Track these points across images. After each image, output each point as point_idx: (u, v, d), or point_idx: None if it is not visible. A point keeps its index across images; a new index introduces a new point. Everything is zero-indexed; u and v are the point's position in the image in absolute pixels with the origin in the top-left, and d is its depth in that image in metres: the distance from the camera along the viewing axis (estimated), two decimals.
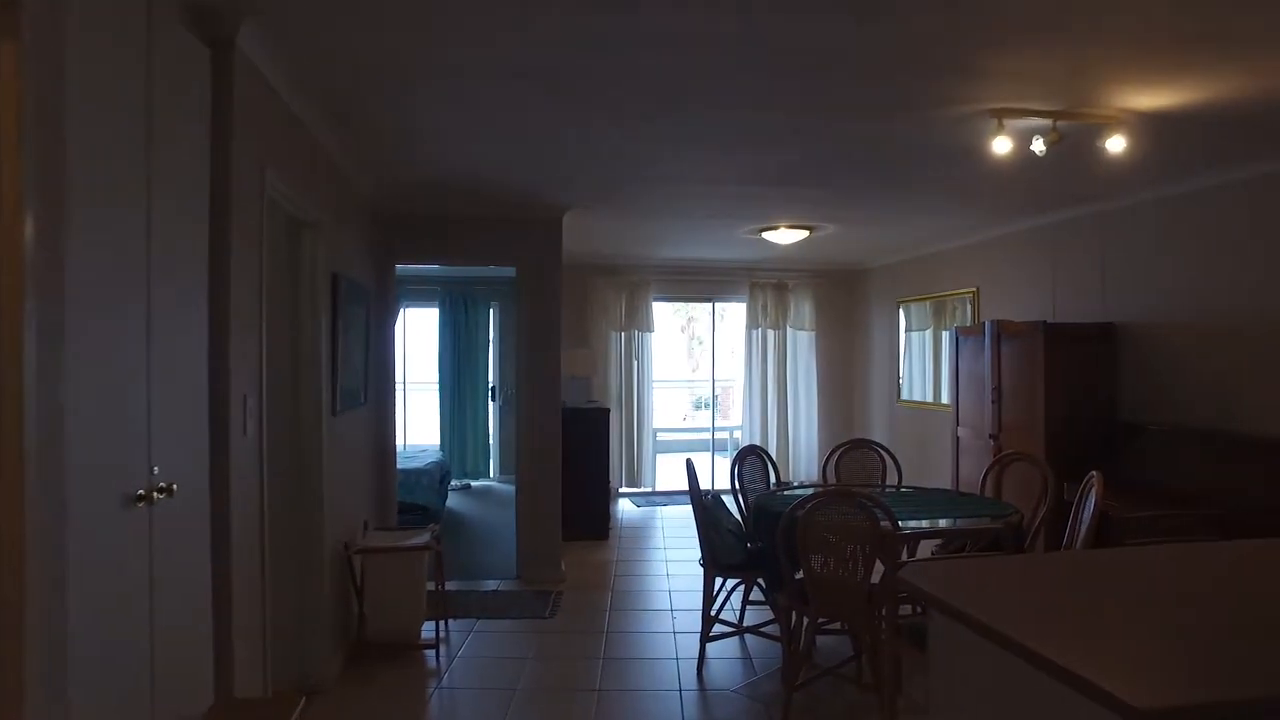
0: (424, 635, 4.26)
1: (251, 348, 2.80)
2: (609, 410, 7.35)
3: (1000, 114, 3.31)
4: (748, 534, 4.20)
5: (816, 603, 3.36)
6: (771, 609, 4.21)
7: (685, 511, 7.91)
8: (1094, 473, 3.71)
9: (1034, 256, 6.02)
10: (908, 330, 8.12)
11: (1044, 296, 5.88)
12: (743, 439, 9.13)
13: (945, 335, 7.42)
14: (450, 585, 4.60)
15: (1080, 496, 3.71)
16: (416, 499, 6.29)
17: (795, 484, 7.81)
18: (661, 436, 9.84)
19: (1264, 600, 1.99)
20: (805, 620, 3.48)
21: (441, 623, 4.33)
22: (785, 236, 6.31)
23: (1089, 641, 1.74)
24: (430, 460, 7.36)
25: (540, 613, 4.81)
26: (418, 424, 9.55)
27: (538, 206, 5.44)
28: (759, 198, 5.25)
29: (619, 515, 7.79)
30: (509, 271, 6.09)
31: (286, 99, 3.09)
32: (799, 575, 3.40)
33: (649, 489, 8.84)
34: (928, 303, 7.66)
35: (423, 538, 4.34)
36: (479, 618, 4.68)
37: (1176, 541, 3.85)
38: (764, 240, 6.62)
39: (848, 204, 5.43)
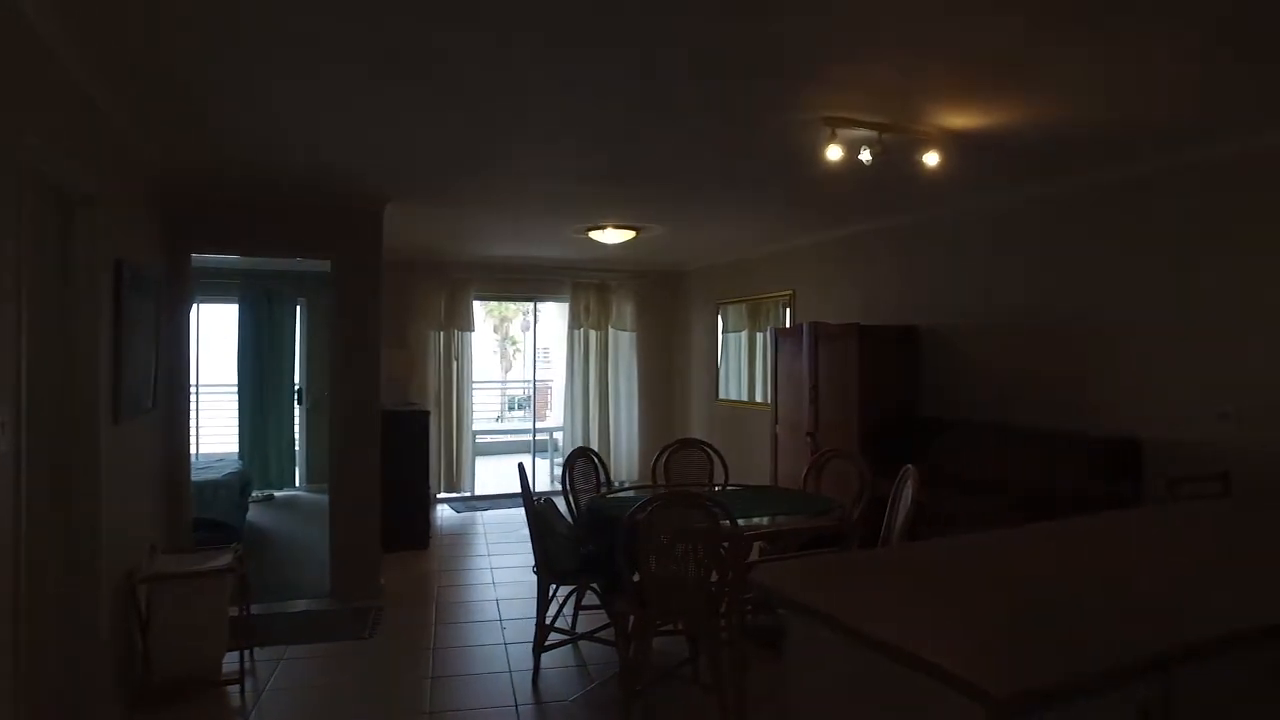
0: (227, 669, 3.76)
1: (4, 346, 2.29)
2: (429, 413, 6.95)
3: (833, 123, 3.39)
4: (581, 538, 4.06)
5: (657, 605, 3.28)
6: (608, 614, 4.10)
7: (507, 516, 7.70)
8: (909, 466, 3.91)
9: (847, 261, 6.34)
10: (726, 331, 8.34)
11: (856, 300, 6.20)
12: (564, 440, 9.00)
13: (760, 336, 7.70)
14: (256, 609, 4.10)
15: (895, 489, 3.89)
16: (214, 514, 5.61)
17: (622, 485, 7.78)
18: (480, 439, 9.50)
19: (1079, 577, 2.11)
20: (643, 624, 3.39)
21: (247, 652, 3.83)
22: (612, 236, 6.24)
23: (941, 632, 1.75)
24: (229, 470, 6.61)
25: (359, 632, 4.41)
26: (215, 431, 8.60)
27: (358, 196, 5.00)
28: (592, 195, 5.13)
29: (439, 522, 7.40)
30: (318, 265, 5.59)
31: (52, 43, 2.57)
32: (637, 578, 3.31)
33: (469, 494, 8.49)
34: (745, 305, 7.90)
35: (223, 559, 3.83)
36: (290, 643, 4.21)
37: (985, 529, 4.16)
38: (590, 240, 6.52)
39: (680, 205, 5.42)
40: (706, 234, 6.72)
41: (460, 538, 6.96)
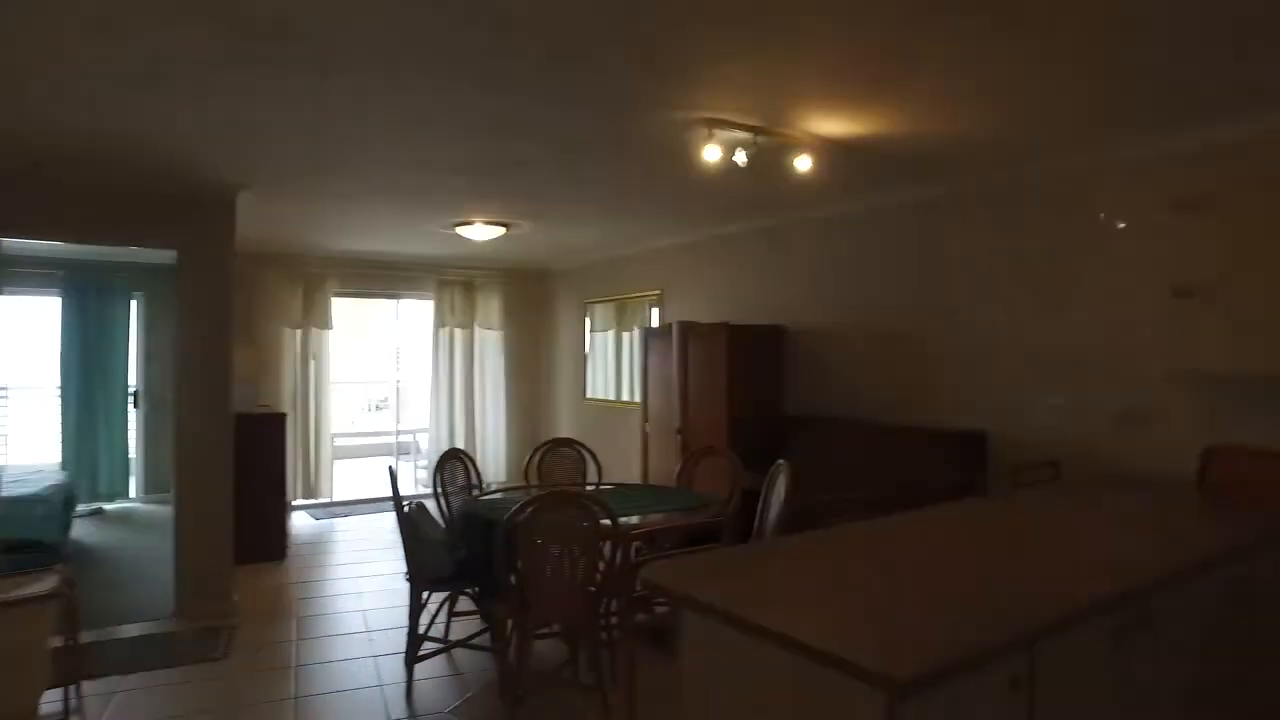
0: (48, 709, 3.32)
1: None
2: (284, 415, 6.50)
3: (712, 123, 3.42)
4: (455, 542, 3.90)
5: (539, 609, 3.19)
6: (484, 619, 3.96)
7: (369, 522, 7.34)
8: (781, 461, 3.99)
9: (716, 262, 6.45)
10: (593, 330, 8.31)
11: (724, 299, 6.32)
12: (429, 441, 8.68)
13: (628, 335, 7.73)
14: (86, 637, 3.66)
15: (768, 485, 3.97)
16: (29, 534, 5.00)
17: (489, 487, 7.57)
18: (339, 442, 9.00)
19: (948, 562, 2.21)
20: (523, 628, 3.29)
21: (73, 688, 3.41)
22: (481, 233, 6.06)
23: (839, 622, 1.77)
24: (48, 483, 5.91)
25: (209, 654, 4.04)
26: (31, 438, 7.69)
27: (208, 182, 4.58)
28: (464, 189, 4.93)
29: (296, 531, 6.95)
30: (158, 256, 5.10)
31: None
32: (515, 581, 3.20)
33: (328, 500, 8.03)
34: (613, 304, 7.89)
35: (45, 584, 3.38)
36: (127, 672, 3.79)
37: (854, 521, 4.32)
38: (457, 236, 6.31)
39: (553, 201, 5.32)
40: (578, 232, 6.65)
41: (320, 547, 6.56)
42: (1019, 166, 4.22)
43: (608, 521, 3.12)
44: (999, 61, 2.81)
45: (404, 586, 3.79)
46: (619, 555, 3.15)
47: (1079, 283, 4.07)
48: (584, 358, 8.38)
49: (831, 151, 3.83)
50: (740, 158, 3.58)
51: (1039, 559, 2.33)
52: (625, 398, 7.70)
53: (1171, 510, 3.12)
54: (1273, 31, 2.50)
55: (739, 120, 3.43)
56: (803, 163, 3.72)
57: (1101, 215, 3.97)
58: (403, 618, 3.80)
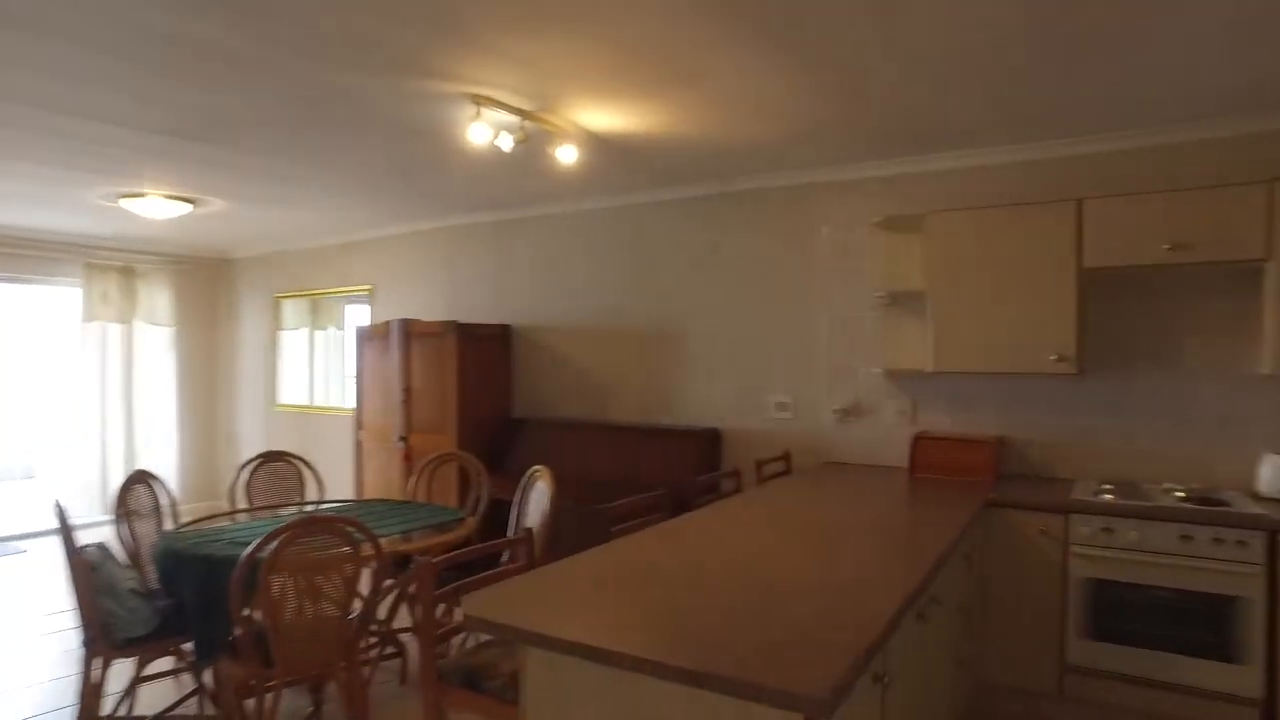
0: None
1: None
2: None
3: (481, 100, 3.06)
4: (153, 591, 3.06)
5: (288, 661, 2.58)
6: (196, 678, 3.16)
7: None
8: (539, 467, 3.74)
9: (437, 256, 5.96)
10: (283, 328, 7.28)
11: (444, 297, 5.87)
12: (83, 460, 6.93)
13: (324, 335, 6.90)
14: None
15: (522, 492, 3.70)
16: None
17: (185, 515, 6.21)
18: None
19: (765, 562, 2.15)
20: (267, 685, 2.64)
21: None
22: (156, 209, 4.95)
23: (713, 644, 1.58)
24: None
25: None
26: None
27: None
28: (143, 149, 3.90)
29: None
30: None
31: None
32: (252, 631, 2.56)
33: None
34: (311, 299, 6.98)
35: None
36: None
37: (615, 525, 4.18)
38: (120, 211, 5.09)
39: (263, 175, 4.45)
40: (284, 215, 5.69)
41: None
42: (763, 176, 4.44)
43: (368, 545, 2.63)
44: (757, 77, 2.86)
45: (66, 654, 2.87)
46: (378, 583, 2.66)
47: (808, 288, 4.38)
48: (274, 359, 7.30)
49: (595, 146, 3.68)
50: (506, 142, 3.27)
51: (841, 551, 2.38)
52: (323, 403, 6.85)
53: (913, 492, 3.43)
54: (971, 84, 2.85)
55: (509, 101, 3.12)
56: (567, 154, 3.51)
57: (825, 229, 4.32)
58: (61, 697, 2.88)
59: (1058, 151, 3.69)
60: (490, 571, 2.39)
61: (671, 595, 1.89)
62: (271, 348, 7.28)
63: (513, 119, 3.22)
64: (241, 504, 3.96)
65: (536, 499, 3.62)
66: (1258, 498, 3.19)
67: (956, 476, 3.73)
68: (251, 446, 7.19)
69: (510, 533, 3.70)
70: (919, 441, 3.85)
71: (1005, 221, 3.53)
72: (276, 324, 7.25)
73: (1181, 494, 3.23)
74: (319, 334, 7.03)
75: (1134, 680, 3.04)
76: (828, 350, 4.32)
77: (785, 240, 4.43)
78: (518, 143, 3.28)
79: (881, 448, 4.16)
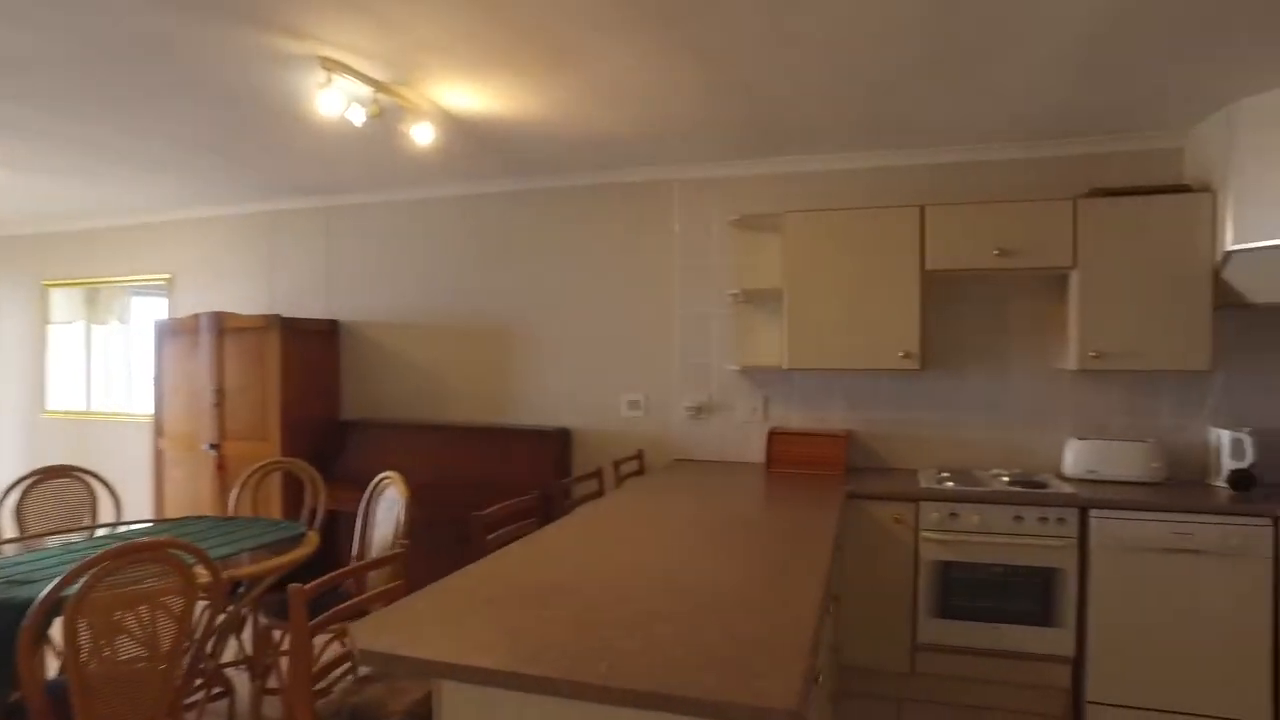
0: None
1: None
2: None
3: (331, 66, 2.70)
4: None
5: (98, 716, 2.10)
6: None
7: None
8: (390, 473, 3.40)
9: (251, 243, 5.30)
10: (54, 322, 6.20)
11: (262, 288, 5.25)
12: None
13: (104, 330, 5.96)
14: None
15: (369, 502, 3.35)
16: None
17: None
18: None
19: (677, 567, 2.05)
20: None
21: None
22: None
23: (660, 661, 1.43)
24: None
25: None
26: None
27: None
28: None
29: None
30: None
31: None
32: (47, 692, 2.07)
33: None
34: (89, 288, 5.99)
35: None
36: None
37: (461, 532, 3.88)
38: None
39: (34, 134, 3.68)
40: (55, 185, 4.78)
41: None
42: (621, 170, 4.32)
43: (257, 574, 2.21)
44: (638, 65, 2.76)
45: None
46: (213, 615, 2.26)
47: (662, 285, 4.33)
48: (42, 358, 6.19)
49: (451, 127, 3.39)
50: (357, 115, 2.92)
51: (742, 549, 2.32)
52: (106, 408, 5.91)
53: (777, 487, 3.45)
54: (839, 91, 2.93)
55: (364, 69, 2.78)
56: (423, 134, 3.21)
57: (679, 226, 4.28)
58: None
59: (906, 160, 3.90)
60: (364, 596, 2.08)
61: (591, 610, 1.72)
62: (38, 344, 6.18)
63: (366, 90, 2.87)
64: (10, 533, 3.27)
65: (387, 509, 3.29)
66: (1064, 478, 3.54)
67: (810, 470, 3.83)
68: (12, 461, 6.07)
69: (355, 548, 3.34)
70: (774, 437, 3.91)
71: (857, 223, 3.67)
72: (44, 317, 6.16)
73: (1007, 478, 3.51)
74: (98, 329, 6.05)
75: (976, 651, 3.26)
76: (681, 348, 4.29)
77: (640, 236, 4.36)
78: (370, 117, 2.94)
79: (734, 444, 4.20)
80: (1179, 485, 3.41)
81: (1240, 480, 3.28)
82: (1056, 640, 3.18)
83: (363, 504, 3.37)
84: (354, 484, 4.38)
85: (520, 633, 1.58)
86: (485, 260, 4.67)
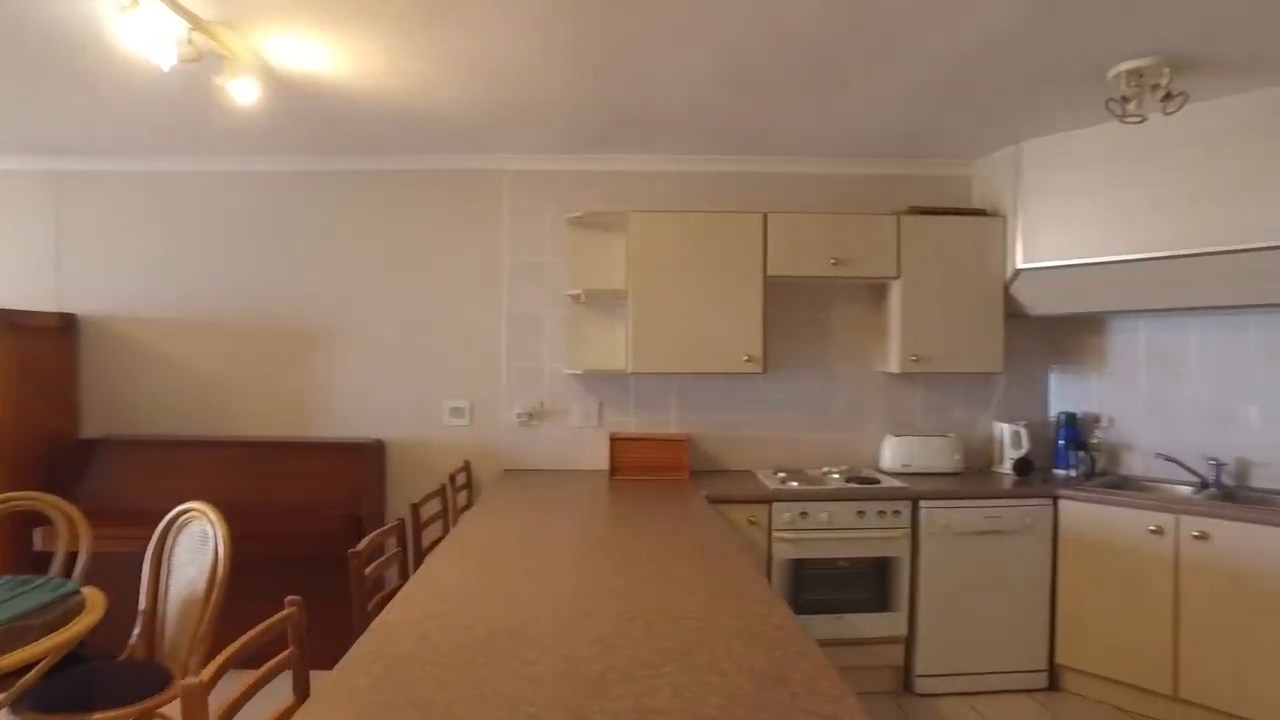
0: None
1: None
2: None
3: None
4: None
5: None
6: None
7: None
8: (194, 505, 2.73)
9: None
10: None
11: None
12: None
13: None
14: None
15: (161, 542, 2.67)
16: None
17: None
18: None
19: (630, 594, 1.84)
20: None
21: None
22: None
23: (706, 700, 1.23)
24: None
25: None
26: None
27: None
28: None
29: None
30: None
31: None
32: None
33: None
34: None
35: None
36: None
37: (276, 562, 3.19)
38: None
39: None
40: None
41: None
42: (453, 157, 3.92)
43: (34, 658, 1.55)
44: (506, 33, 2.46)
45: None
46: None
47: (490, 284, 3.98)
48: None
49: (268, 86, 2.81)
50: (168, 56, 2.29)
51: (662, 566, 2.13)
52: None
53: (637, 494, 3.29)
54: (698, 92, 2.89)
55: None
56: (245, 90, 2.61)
57: (511, 221, 3.97)
58: None
59: (751, 167, 3.95)
60: (264, 668, 1.58)
61: (580, 652, 1.45)
62: None
63: (181, 24, 2.26)
64: None
65: (192, 550, 2.64)
66: (884, 473, 3.80)
67: (654, 476, 3.74)
68: None
69: (142, 601, 2.65)
70: (617, 443, 3.77)
71: (704, 226, 3.64)
72: None
73: (838, 475, 3.69)
74: None
75: (825, 643, 3.37)
76: (509, 350, 3.99)
77: (467, 230, 3.98)
78: (185, 60, 2.32)
79: (568, 452, 3.99)
80: (975, 474, 3.81)
81: (1022, 466, 3.75)
82: (892, 623, 3.39)
83: (152, 545, 2.68)
84: (106, 516, 3.48)
85: (501, 705, 1.27)
86: (285, 249, 3.99)
